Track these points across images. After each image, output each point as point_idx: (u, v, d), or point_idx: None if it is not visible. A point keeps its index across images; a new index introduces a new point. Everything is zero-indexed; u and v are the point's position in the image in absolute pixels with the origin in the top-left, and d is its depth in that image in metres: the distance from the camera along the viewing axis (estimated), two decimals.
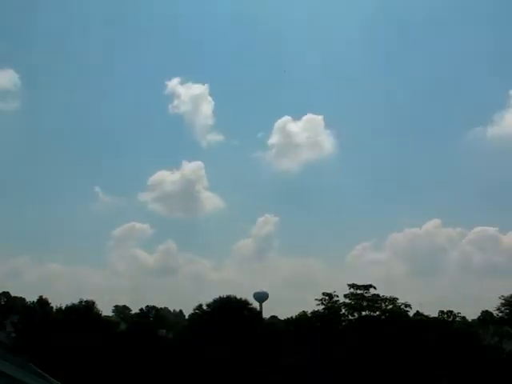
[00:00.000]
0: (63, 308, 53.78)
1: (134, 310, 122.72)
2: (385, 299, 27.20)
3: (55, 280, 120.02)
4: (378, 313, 26.99)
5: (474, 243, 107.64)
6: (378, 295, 27.42)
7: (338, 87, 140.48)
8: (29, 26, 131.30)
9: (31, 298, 67.14)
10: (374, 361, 25.84)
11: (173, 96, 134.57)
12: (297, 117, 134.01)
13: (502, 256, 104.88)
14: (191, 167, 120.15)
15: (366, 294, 27.42)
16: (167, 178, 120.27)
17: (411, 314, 28.30)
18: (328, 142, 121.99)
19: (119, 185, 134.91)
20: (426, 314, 29.30)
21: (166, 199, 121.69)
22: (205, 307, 50.32)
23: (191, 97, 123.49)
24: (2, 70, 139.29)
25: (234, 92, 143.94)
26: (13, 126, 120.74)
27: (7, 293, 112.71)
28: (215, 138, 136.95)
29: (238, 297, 50.85)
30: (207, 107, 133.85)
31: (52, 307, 55.46)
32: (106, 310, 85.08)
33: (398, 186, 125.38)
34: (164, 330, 58.63)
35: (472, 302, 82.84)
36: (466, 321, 27.27)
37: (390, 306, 26.93)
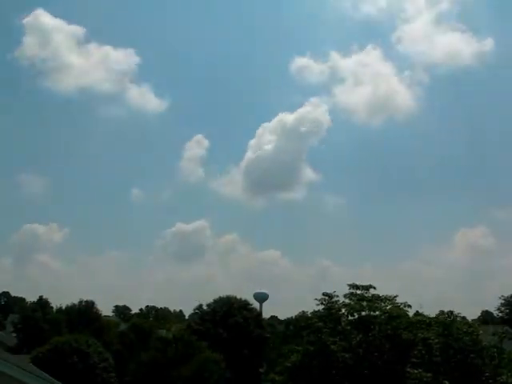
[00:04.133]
0: (63, 308, 53.96)
1: (134, 309, 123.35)
2: (384, 299, 27.10)
3: None
4: (377, 313, 26.88)
5: None
6: (378, 295, 27.34)
7: None
8: None
9: (31, 297, 67.28)
10: (373, 361, 25.82)
11: None
12: None
13: None
14: None
15: (365, 294, 27.32)
16: None
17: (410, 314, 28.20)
18: None
19: None
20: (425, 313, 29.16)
21: None
22: (205, 307, 50.38)
23: None
24: None
25: None
26: None
27: (7, 293, 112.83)
28: None
29: (238, 297, 50.99)
30: None
31: (52, 307, 55.60)
32: (105, 309, 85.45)
33: None
34: (164, 330, 58.66)
35: None
36: (467, 321, 27.12)
37: (390, 306, 26.83)
